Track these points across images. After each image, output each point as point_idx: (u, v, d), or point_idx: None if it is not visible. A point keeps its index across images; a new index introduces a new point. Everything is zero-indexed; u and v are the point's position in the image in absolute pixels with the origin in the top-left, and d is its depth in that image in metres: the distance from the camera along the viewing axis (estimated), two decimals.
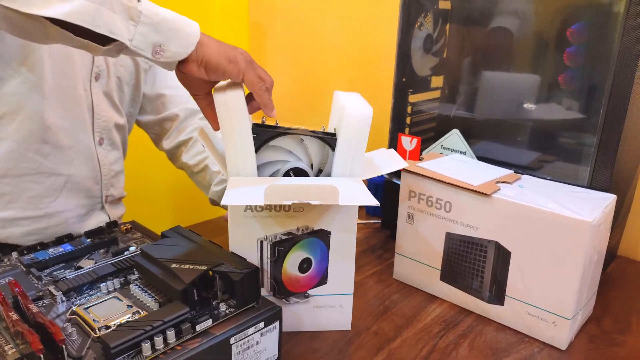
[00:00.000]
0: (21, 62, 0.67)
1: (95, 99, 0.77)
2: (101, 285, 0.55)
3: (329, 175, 0.62)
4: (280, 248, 0.58)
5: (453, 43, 0.84)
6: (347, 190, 0.55)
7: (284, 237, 0.59)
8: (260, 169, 0.60)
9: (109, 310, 0.50)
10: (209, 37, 0.57)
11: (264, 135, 0.59)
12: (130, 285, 0.55)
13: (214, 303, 0.52)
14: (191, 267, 0.52)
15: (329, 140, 0.60)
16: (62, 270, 0.59)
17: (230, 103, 0.56)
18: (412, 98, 0.87)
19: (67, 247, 0.63)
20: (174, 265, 0.52)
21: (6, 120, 0.68)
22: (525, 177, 0.71)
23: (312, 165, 0.62)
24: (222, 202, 0.52)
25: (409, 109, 0.88)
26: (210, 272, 0.52)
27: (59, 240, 0.65)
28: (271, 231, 0.58)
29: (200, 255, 0.55)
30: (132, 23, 0.51)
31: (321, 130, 0.61)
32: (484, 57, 0.81)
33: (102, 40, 0.51)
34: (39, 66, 0.68)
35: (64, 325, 0.48)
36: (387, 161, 0.65)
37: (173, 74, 0.95)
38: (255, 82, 0.57)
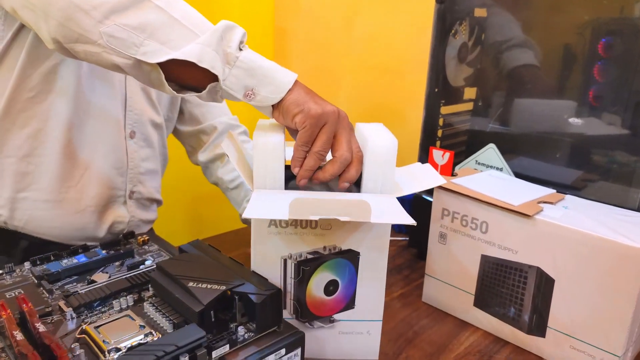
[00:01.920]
0: None
1: (129, 91, 0.76)
2: (114, 302, 0.52)
3: None
4: (305, 268, 0.54)
5: (489, 52, 0.80)
6: (380, 207, 0.51)
7: (309, 257, 0.55)
8: None
9: (121, 331, 0.47)
10: (306, 89, 0.57)
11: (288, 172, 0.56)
12: (144, 303, 0.52)
13: (232, 326, 0.48)
14: (209, 286, 0.48)
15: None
16: (75, 284, 0.56)
17: (265, 146, 0.55)
18: (444, 110, 0.83)
19: (81, 259, 0.60)
20: (191, 284, 0.49)
21: (38, 99, 0.68)
22: (569, 197, 0.66)
23: None
24: (244, 215, 0.49)
25: (440, 121, 0.83)
26: (229, 293, 0.48)
27: (73, 251, 0.62)
28: (296, 249, 0.55)
29: (220, 274, 0.51)
30: (228, 66, 0.54)
31: None
32: (522, 67, 0.76)
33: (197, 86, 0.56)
34: None
35: (72, 346, 0.45)
36: (423, 177, 0.60)
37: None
38: (303, 139, 0.54)
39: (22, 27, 0.65)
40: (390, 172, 0.55)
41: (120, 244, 0.65)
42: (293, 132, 0.58)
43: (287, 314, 0.56)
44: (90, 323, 0.48)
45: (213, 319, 0.48)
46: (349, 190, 0.57)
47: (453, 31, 0.77)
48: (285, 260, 0.55)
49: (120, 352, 0.43)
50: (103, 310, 0.51)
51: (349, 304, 0.57)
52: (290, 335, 0.48)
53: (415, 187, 0.58)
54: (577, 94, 0.71)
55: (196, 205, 1.55)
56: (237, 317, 0.49)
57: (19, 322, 0.46)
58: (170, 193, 1.45)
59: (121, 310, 0.51)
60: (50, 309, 0.50)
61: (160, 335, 0.46)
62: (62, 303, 0.51)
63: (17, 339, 0.42)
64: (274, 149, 0.55)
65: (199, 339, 0.44)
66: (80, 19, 0.52)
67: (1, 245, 0.73)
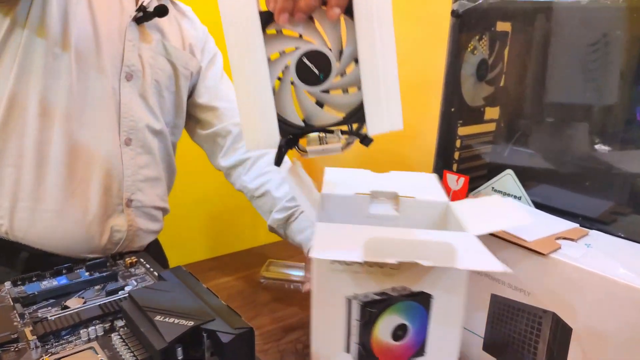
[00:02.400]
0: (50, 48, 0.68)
1: (124, 98, 0.75)
2: (82, 331, 0.49)
3: (353, 56, 0.50)
4: (372, 310, 0.48)
5: (512, 70, 0.74)
6: (466, 250, 0.44)
7: (376, 298, 0.49)
8: (271, 68, 0.51)
9: None
10: None
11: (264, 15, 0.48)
12: (113, 334, 0.48)
13: None
14: (177, 321, 0.45)
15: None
16: (49, 308, 0.53)
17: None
18: (462, 130, 0.77)
19: (62, 281, 0.58)
20: (158, 317, 0.45)
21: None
22: (593, 233, 0.58)
23: (329, 45, 0.51)
24: (311, 255, 0.43)
25: (457, 143, 0.77)
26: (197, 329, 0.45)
27: (57, 272, 0.60)
28: (362, 289, 0.48)
29: (192, 308, 0.47)
30: None
31: None
32: (549, 87, 0.69)
33: None
34: (65, 57, 0.69)
35: None
36: (501, 213, 0.53)
37: (227, 84, 0.91)
38: None
39: (9, 36, 0.66)
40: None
41: (106, 265, 0.63)
42: None
43: (350, 359, 0.51)
44: (52, 354, 0.45)
45: (181, 357, 0.44)
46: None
47: (471, 47, 0.72)
48: (349, 301, 0.49)
49: None
50: (70, 339, 0.48)
51: (419, 350, 0.51)
52: None
53: (497, 225, 0.51)
54: (611, 118, 0.64)
55: (215, 219, 1.53)
56: (206, 356, 0.45)
57: None
58: (190, 206, 1.45)
59: (89, 340, 0.48)
60: (16, 335, 0.48)
61: None
62: (28, 330, 0.49)
63: None
64: None
65: None
66: None
67: (3, 256, 0.73)
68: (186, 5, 0.90)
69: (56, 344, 0.47)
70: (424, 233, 0.49)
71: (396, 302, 0.48)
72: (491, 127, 0.78)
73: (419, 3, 1.10)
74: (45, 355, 0.45)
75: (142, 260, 0.65)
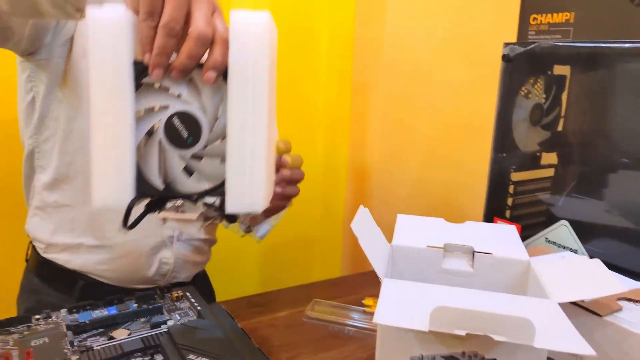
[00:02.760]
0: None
1: None
2: None
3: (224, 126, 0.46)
4: None
5: (572, 114, 0.70)
6: (546, 323, 0.41)
7: None
8: (138, 123, 0.47)
9: None
10: None
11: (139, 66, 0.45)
12: None
13: None
14: None
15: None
16: (97, 338, 0.56)
17: (100, 23, 0.43)
18: (516, 176, 0.74)
19: (112, 311, 0.61)
20: (191, 356, 0.46)
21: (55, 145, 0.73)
22: None
23: (205, 109, 0.48)
24: (375, 320, 0.42)
25: (511, 189, 0.74)
26: None
27: (109, 302, 0.64)
28: (429, 350, 0.46)
29: (223, 347, 0.48)
30: None
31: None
32: (614, 133, 0.66)
33: None
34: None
35: None
36: (589, 277, 0.49)
37: None
38: (145, 9, 0.43)
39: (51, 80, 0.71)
40: (263, 58, 0.44)
41: (154, 298, 0.66)
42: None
43: None
44: None
45: None
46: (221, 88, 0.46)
47: (524, 91, 0.70)
48: None
49: None
50: None
51: None
52: None
53: (585, 292, 0.47)
54: None
55: (267, 254, 1.55)
56: None
57: None
58: (243, 239, 1.48)
59: None
60: None
61: None
62: (75, 359, 0.52)
63: None
64: (113, 24, 0.43)
65: None
66: None
67: (62, 284, 0.78)
68: None
69: None
70: (499, 299, 0.45)
71: None
72: (549, 172, 0.74)
73: (469, 45, 1.08)
74: None
75: (187, 294, 0.67)
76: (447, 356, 0.45)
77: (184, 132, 0.47)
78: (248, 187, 0.46)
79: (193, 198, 0.49)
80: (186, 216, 0.51)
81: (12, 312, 0.84)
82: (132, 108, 0.45)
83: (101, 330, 0.58)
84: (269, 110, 0.46)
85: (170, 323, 0.59)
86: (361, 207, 0.55)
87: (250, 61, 0.44)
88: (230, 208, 0.45)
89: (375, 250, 0.51)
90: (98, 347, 0.53)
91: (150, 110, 0.47)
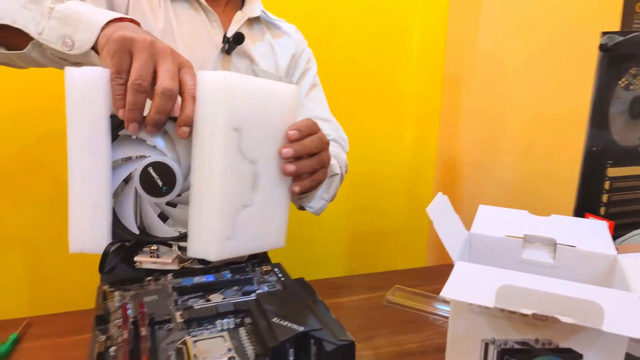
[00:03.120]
0: None
1: None
2: (217, 321, 0.58)
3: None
4: (511, 358, 0.48)
5: None
6: (619, 311, 0.41)
7: (516, 346, 0.48)
8: (115, 171, 0.51)
9: (211, 349, 0.52)
10: (126, 26, 0.52)
11: (115, 120, 0.48)
12: (241, 329, 0.56)
13: None
14: (290, 325, 0.50)
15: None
16: (197, 299, 0.64)
17: (77, 81, 0.47)
18: (613, 172, 0.71)
19: (210, 278, 0.69)
20: (274, 319, 0.52)
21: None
22: None
23: (180, 160, 0.51)
24: (442, 294, 0.45)
25: (606, 185, 0.71)
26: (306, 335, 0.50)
27: (207, 270, 0.71)
28: (501, 335, 0.48)
29: (305, 315, 0.53)
30: (45, 20, 0.54)
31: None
32: None
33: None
34: None
35: (169, 353, 0.51)
36: None
37: (320, 105, 0.96)
38: (120, 71, 0.47)
39: None
40: (226, 115, 0.45)
41: (246, 270, 0.72)
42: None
43: None
44: (193, 336, 0.55)
45: (292, 357, 0.49)
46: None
47: (623, 82, 0.66)
48: (486, 345, 0.49)
49: None
50: (208, 327, 0.57)
51: None
52: None
53: None
54: None
55: (355, 239, 1.59)
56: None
57: (132, 322, 0.54)
58: (333, 224, 1.54)
59: (222, 330, 0.57)
60: (169, 317, 0.59)
61: None
62: (178, 314, 0.59)
63: (124, 337, 0.50)
64: (89, 82, 0.47)
65: None
66: None
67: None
68: (291, 25, 0.97)
69: (197, 328, 0.57)
70: (573, 286, 0.45)
71: (539, 355, 0.46)
72: None
73: (567, 36, 1.03)
74: (187, 337, 0.54)
75: (275, 270, 0.73)
76: (520, 342, 0.46)
77: (159, 181, 0.50)
78: (200, 235, 0.50)
79: (167, 243, 0.53)
80: (161, 260, 0.55)
81: None
82: (109, 158, 0.49)
83: (200, 293, 0.66)
84: (230, 166, 0.48)
85: (258, 292, 0.65)
86: (439, 193, 0.56)
87: (208, 119, 0.47)
88: (189, 252, 0.50)
89: (451, 235, 0.52)
90: (197, 307, 0.60)
91: (127, 160, 0.51)
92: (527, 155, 1.19)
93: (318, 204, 0.87)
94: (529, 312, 0.40)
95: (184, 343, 0.53)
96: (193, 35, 0.81)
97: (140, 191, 0.51)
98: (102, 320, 0.57)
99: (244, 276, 0.69)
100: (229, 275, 0.70)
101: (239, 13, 0.86)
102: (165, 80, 0.47)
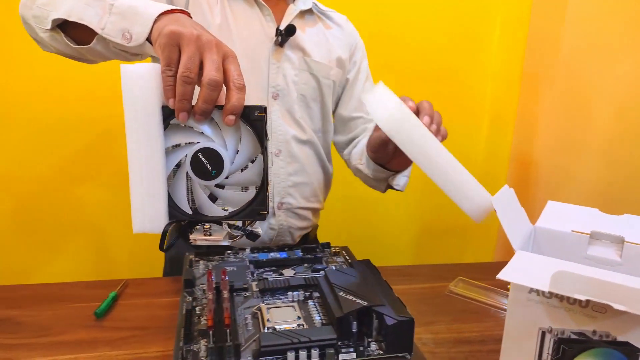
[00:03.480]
0: None
1: (273, 115, 0.89)
2: (289, 293, 0.63)
3: (245, 159, 0.56)
4: (568, 348, 0.48)
5: None
6: None
7: (573, 337, 0.48)
8: (168, 157, 0.55)
9: (283, 316, 0.58)
10: (178, 17, 0.56)
11: (166, 110, 0.53)
12: (309, 301, 0.62)
13: (367, 340, 0.53)
14: (355, 299, 0.55)
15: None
16: (271, 273, 0.70)
17: (132, 74, 0.52)
18: None
19: (283, 255, 0.75)
20: (341, 294, 0.56)
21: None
22: None
23: (226, 145, 0.55)
24: (498, 276, 0.47)
25: None
26: (369, 309, 0.54)
27: (281, 247, 0.77)
28: (559, 324, 0.48)
29: (369, 292, 0.57)
30: (107, 15, 0.59)
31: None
32: None
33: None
34: None
35: (246, 316, 0.58)
36: None
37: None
38: (170, 63, 0.51)
39: None
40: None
41: (316, 250, 0.77)
42: None
43: None
44: (266, 304, 0.61)
45: (355, 329, 0.54)
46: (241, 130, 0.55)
47: None
48: (543, 333, 0.49)
49: (271, 330, 0.54)
50: (280, 297, 0.63)
51: None
52: None
53: None
54: None
55: (425, 233, 1.61)
56: (373, 333, 0.54)
57: (215, 287, 0.61)
58: (405, 216, 1.56)
59: (292, 301, 0.62)
60: (246, 285, 0.65)
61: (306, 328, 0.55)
62: (254, 284, 0.65)
63: (209, 297, 0.57)
64: (142, 77, 0.51)
65: (329, 339, 0.51)
66: (22, 6, 0.69)
67: None
68: (341, 15, 0.99)
69: (270, 298, 0.63)
70: (632, 279, 0.45)
71: (596, 347, 0.46)
72: None
73: None
74: (262, 304, 0.61)
75: (344, 252, 0.78)
76: (577, 332, 0.47)
77: (208, 165, 0.55)
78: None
79: (218, 221, 0.58)
80: (213, 237, 0.60)
81: None
82: (162, 146, 0.54)
83: (274, 268, 0.72)
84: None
85: (326, 269, 0.70)
86: (505, 186, 0.58)
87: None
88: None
89: (514, 226, 0.54)
90: (271, 279, 0.66)
91: (177, 146, 0.56)
92: (612, 157, 1.14)
93: (402, 181, 0.91)
94: (582, 298, 0.41)
95: (259, 309, 0.59)
96: (248, 30, 0.86)
97: (192, 175, 0.56)
98: (189, 283, 0.65)
99: (314, 255, 0.75)
100: (301, 254, 0.75)
101: (291, 6, 0.91)
102: (210, 72, 0.51)
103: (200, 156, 0.55)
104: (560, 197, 1.26)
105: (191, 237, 0.59)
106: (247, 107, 0.54)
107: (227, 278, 0.62)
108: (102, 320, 0.70)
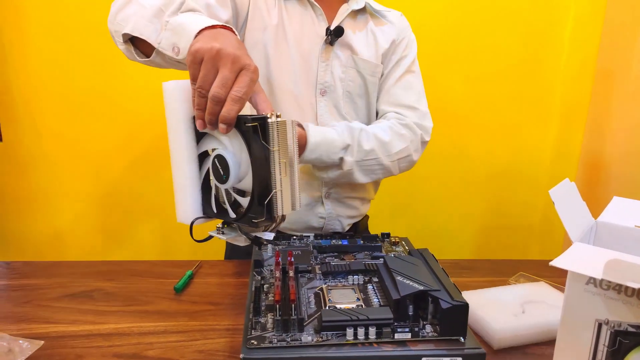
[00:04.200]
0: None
1: (320, 110, 0.91)
2: (349, 277, 0.67)
3: (245, 167, 0.61)
4: (624, 340, 0.48)
5: None
6: None
7: (631, 329, 0.48)
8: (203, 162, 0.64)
9: (343, 296, 0.62)
10: (214, 33, 0.61)
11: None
12: (368, 285, 0.65)
13: (422, 322, 0.56)
14: (411, 283, 0.58)
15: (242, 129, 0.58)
16: (333, 258, 0.74)
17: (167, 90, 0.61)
18: None
19: (345, 242, 0.79)
20: (399, 278, 0.59)
21: None
22: None
23: (234, 154, 0.60)
24: (551, 263, 0.48)
25: None
26: (426, 294, 0.57)
27: (343, 235, 0.82)
28: (616, 316, 0.48)
29: (426, 278, 0.60)
30: (163, 31, 0.67)
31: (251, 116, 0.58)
32: None
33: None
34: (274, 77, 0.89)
35: (309, 295, 0.62)
36: None
37: (410, 93, 0.98)
38: (194, 78, 0.58)
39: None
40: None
41: (376, 239, 0.81)
42: None
43: None
44: (328, 286, 0.65)
45: (411, 312, 0.57)
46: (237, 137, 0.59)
47: None
48: (599, 325, 0.50)
49: (332, 309, 0.58)
50: (341, 280, 0.67)
51: None
52: (470, 349, 0.53)
53: None
54: None
55: (490, 229, 1.60)
56: (428, 316, 0.57)
57: (282, 267, 0.66)
58: (476, 211, 1.55)
59: (352, 284, 0.66)
60: (310, 268, 0.70)
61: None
62: (317, 267, 0.70)
63: (276, 275, 0.62)
64: (177, 91, 0.60)
65: (385, 319, 0.54)
66: (109, 22, 0.75)
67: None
68: (396, 12, 0.99)
69: (332, 280, 0.67)
70: None
71: None
72: None
73: None
74: (324, 285, 0.65)
75: (403, 242, 0.81)
76: (635, 325, 0.47)
77: (221, 170, 0.61)
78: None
79: (231, 223, 0.65)
80: (225, 237, 0.66)
81: None
82: (193, 151, 0.63)
83: (336, 253, 0.76)
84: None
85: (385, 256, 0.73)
86: (566, 179, 0.59)
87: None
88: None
89: (573, 219, 0.54)
90: (333, 263, 0.71)
91: (206, 153, 0.64)
92: None
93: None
94: (636, 286, 0.42)
95: (321, 290, 0.64)
96: (301, 29, 0.90)
97: (212, 177, 0.64)
98: (258, 264, 0.71)
99: (374, 244, 0.78)
100: (361, 242, 0.79)
101: (344, 6, 0.93)
102: (215, 88, 0.56)
103: (216, 161, 0.62)
104: (633, 199, 1.21)
105: (209, 233, 0.67)
106: (241, 117, 0.58)
107: (293, 260, 0.67)
108: (181, 295, 0.77)
